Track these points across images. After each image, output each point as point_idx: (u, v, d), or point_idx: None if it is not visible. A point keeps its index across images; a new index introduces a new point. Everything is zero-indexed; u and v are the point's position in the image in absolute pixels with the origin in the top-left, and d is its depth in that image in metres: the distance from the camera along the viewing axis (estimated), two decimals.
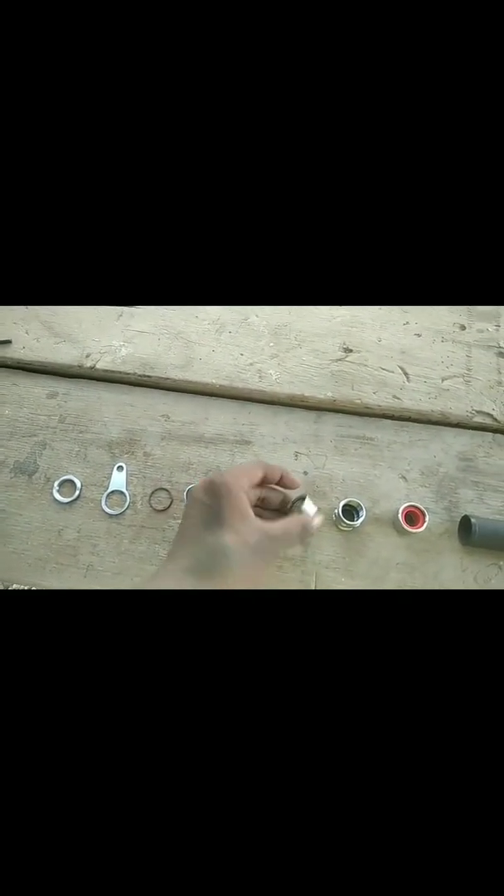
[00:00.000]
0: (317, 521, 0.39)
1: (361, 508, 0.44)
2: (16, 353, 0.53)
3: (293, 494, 0.41)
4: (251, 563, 0.33)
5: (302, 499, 0.40)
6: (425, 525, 0.44)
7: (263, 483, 0.40)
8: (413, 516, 0.44)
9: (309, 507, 0.39)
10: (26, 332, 0.54)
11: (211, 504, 0.35)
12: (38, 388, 0.51)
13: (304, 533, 0.37)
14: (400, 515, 0.44)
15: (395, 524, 0.45)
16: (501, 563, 0.45)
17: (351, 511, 0.45)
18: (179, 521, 0.38)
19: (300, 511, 0.39)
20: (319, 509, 0.40)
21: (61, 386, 0.52)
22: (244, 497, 0.36)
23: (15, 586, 0.68)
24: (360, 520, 0.43)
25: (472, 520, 0.43)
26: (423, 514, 0.44)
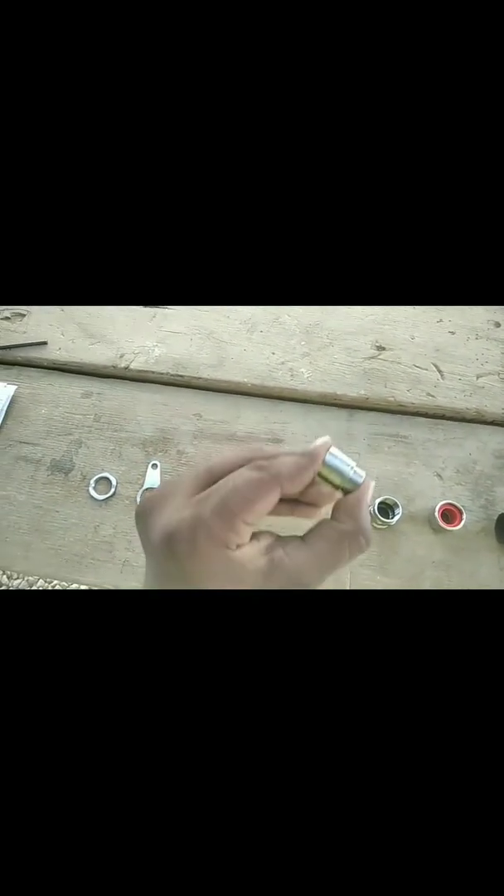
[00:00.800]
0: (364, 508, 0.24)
1: (397, 506, 0.44)
2: (51, 354, 0.54)
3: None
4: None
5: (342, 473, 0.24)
6: (462, 523, 0.43)
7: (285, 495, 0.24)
8: (450, 514, 0.44)
9: (352, 477, 0.23)
10: (62, 334, 0.55)
11: (173, 570, 0.22)
12: (73, 388, 0.53)
13: (357, 541, 0.23)
14: (436, 513, 0.44)
15: (430, 522, 0.45)
16: None
17: (386, 509, 0.44)
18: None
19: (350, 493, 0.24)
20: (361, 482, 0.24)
21: (96, 386, 0.53)
22: (225, 547, 0.22)
23: (53, 584, 0.69)
24: (397, 518, 0.43)
25: None
26: (461, 512, 0.44)
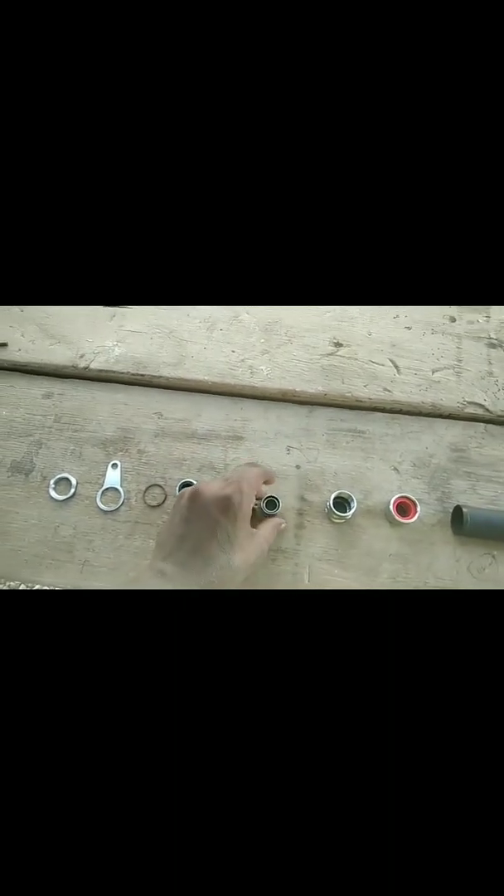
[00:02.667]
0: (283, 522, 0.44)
1: (352, 500, 0.44)
2: (11, 355, 0.53)
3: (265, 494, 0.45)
4: (250, 574, 0.37)
5: (272, 502, 0.44)
6: (417, 516, 0.44)
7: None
8: (405, 507, 0.45)
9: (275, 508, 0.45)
10: (22, 335, 0.55)
11: (226, 525, 0.36)
12: (34, 389, 0.52)
13: (276, 534, 0.42)
14: (391, 506, 0.44)
15: (387, 515, 0.45)
16: (495, 552, 0.45)
17: (342, 503, 0.45)
18: (179, 521, 0.37)
19: (265, 512, 0.44)
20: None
21: (56, 386, 0.52)
22: (251, 515, 0.38)
23: (10, 584, 0.68)
24: (352, 511, 0.44)
25: (464, 509, 0.43)
26: (415, 505, 0.44)
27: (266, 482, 0.43)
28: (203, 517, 0.36)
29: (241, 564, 0.36)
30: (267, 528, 0.41)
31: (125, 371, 0.52)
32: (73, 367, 0.53)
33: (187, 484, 0.44)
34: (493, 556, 0.45)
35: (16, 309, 0.56)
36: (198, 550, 0.35)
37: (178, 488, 0.43)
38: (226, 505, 0.36)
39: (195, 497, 0.37)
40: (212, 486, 0.38)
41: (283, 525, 0.44)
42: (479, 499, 0.47)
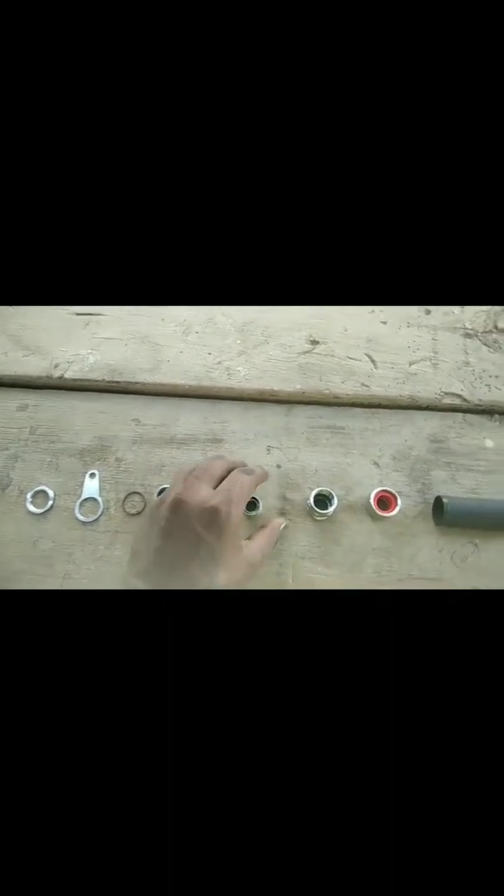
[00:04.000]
0: (282, 525, 0.42)
1: (333, 497, 0.44)
2: None
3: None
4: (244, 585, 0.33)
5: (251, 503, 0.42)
6: (398, 508, 0.44)
7: None
8: (385, 501, 0.44)
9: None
10: None
11: (210, 541, 0.32)
12: (8, 402, 0.52)
13: (274, 539, 0.40)
14: (372, 501, 0.44)
15: (368, 510, 0.45)
16: (477, 540, 0.45)
17: (323, 500, 0.45)
18: (157, 533, 0.33)
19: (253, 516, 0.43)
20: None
21: (31, 398, 0.52)
22: (241, 528, 0.34)
23: None
24: (332, 508, 0.43)
25: (444, 499, 0.43)
26: (395, 498, 0.44)
27: None
28: (184, 531, 0.32)
29: (226, 584, 0.32)
30: (261, 537, 0.37)
31: (100, 379, 0.52)
32: (47, 377, 0.52)
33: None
34: (476, 545, 0.45)
35: None
36: (176, 568, 0.32)
37: (157, 494, 0.43)
38: (211, 518, 0.32)
39: (177, 507, 0.33)
40: (197, 494, 0.34)
41: (283, 525, 0.42)
42: (459, 488, 0.47)
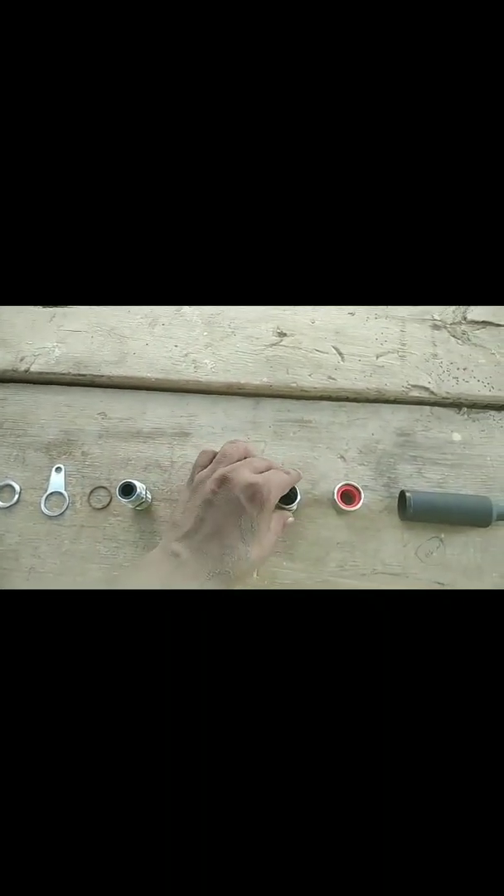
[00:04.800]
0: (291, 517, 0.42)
1: (296, 492, 0.44)
2: None
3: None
4: (259, 567, 0.37)
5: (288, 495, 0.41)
6: (361, 502, 0.44)
7: None
8: (349, 495, 0.44)
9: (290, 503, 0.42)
10: None
11: (252, 513, 0.35)
12: None
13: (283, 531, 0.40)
14: (336, 495, 0.44)
15: (333, 504, 0.45)
16: (442, 535, 0.45)
17: (287, 495, 0.44)
18: (200, 504, 0.36)
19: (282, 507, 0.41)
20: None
21: None
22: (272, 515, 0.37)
23: None
24: (296, 503, 0.43)
25: (408, 494, 0.43)
26: (359, 492, 0.44)
27: None
28: (229, 502, 0.35)
29: (257, 559, 0.35)
30: (277, 523, 0.39)
31: (66, 372, 0.51)
32: (13, 370, 0.51)
33: (129, 485, 0.43)
34: (441, 540, 0.45)
35: None
36: (217, 536, 0.34)
37: (118, 490, 0.43)
38: (254, 493, 0.35)
39: (224, 481, 0.36)
40: (242, 473, 0.36)
41: (290, 520, 0.42)
42: (425, 482, 0.47)
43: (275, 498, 0.37)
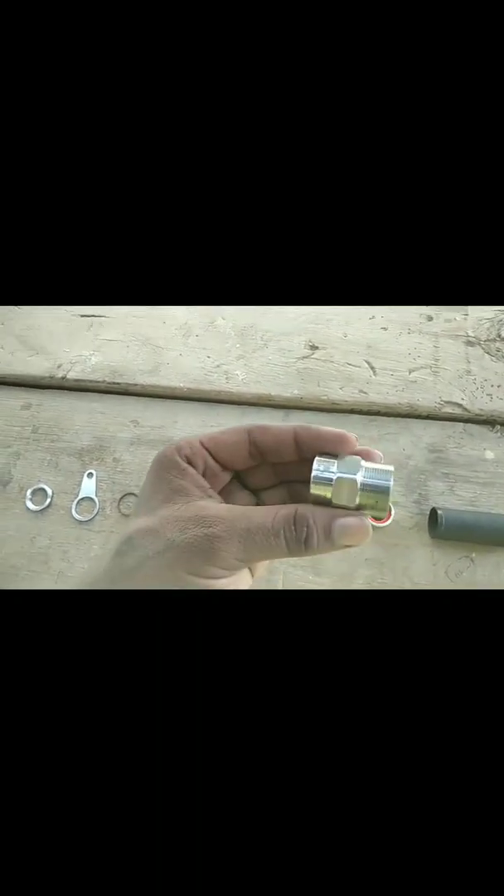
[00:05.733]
0: (341, 522, 0.21)
1: None
2: None
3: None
4: (164, 566, 0.21)
5: (326, 475, 0.22)
6: (391, 519, 0.43)
7: (268, 452, 0.25)
8: None
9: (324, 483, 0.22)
10: (1, 347, 0.55)
11: (146, 482, 0.24)
12: (12, 401, 0.53)
13: (292, 530, 0.21)
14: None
15: None
16: (473, 555, 0.44)
17: None
18: None
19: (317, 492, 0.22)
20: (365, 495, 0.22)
21: (34, 397, 0.53)
22: (183, 467, 0.23)
23: None
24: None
25: (439, 511, 0.43)
26: (390, 509, 0.44)
27: (267, 446, 0.25)
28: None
29: (142, 539, 0.21)
30: (267, 509, 0.22)
31: (101, 380, 0.52)
32: (50, 377, 0.53)
33: None
34: (472, 559, 0.44)
35: None
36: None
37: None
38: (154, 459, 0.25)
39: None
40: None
41: (307, 531, 0.22)
42: (457, 500, 0.46)
43: (178, 446, 0.24)
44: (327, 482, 0.21)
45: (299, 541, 0.22)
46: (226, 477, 0.26)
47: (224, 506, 0.23)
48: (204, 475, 0.24)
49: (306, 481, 0.22)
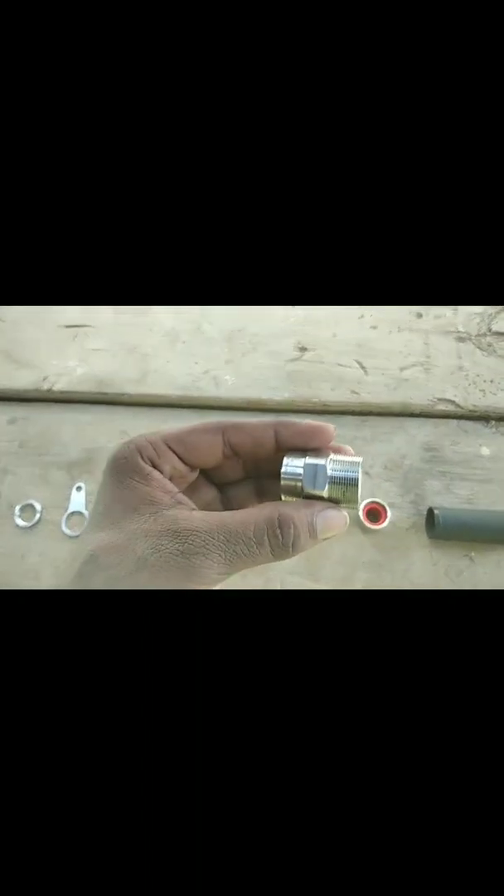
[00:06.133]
0: (321, 516, 0.21)
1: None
2: None
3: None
4: (139, 588, 0.19)
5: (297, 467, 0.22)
6: (388, 520, 0.43)
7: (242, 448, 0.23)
8: (374, 513, 0.43)
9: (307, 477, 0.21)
10: None
11: (102, 489, 0.22)
12: None
13: (276, 535, 0.20)
14: (361, 513, 0.43)
15: (358, 522, 0.44)
16: (472, 553, 0.43)
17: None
18: None
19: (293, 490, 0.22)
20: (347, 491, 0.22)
21: (20, 411, 0.52)
22: (146, 472, 0.21)
23: None
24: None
25: (436, 511, 0.42)
26: (385, 510, 0.43)
27: (241, 444, 0.23)
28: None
29: (105, 558, 0.19)
30: (246, 513, 0.21)
31: (88, 391, 0.51)
32: (36, 390, 0.52)
33: None
34: (471, 558, 0.43)
35: None
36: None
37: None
38: (108, 462, 0.23)
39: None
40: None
41: (304, 518, 0.21)
42: (454, 498, 0.45)
43: (136, 448, 0.22)
44: (297, 475, 0.21)
45: (286, 545, 0.21)
46: (192, 476, 0.24)
47: (198, 514, 0.20)
48: (171, 479, 0.22)
49: (274, 475, 0.22)
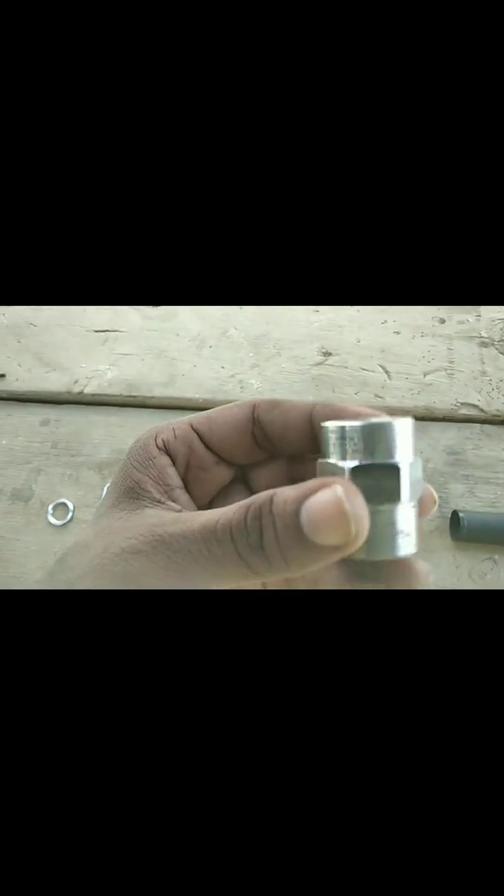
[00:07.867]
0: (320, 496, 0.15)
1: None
2: (10, 385, 0.55)
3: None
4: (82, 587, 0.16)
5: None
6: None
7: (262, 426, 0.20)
8: None
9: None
10: (18, 365, 0.56)
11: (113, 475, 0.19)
12: (31, 417, 0.54)
13: (243, 531, 0.15)
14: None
15: None
16: (496, 556, 0.44)
17: None
18: None
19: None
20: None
21: (52, 413, 0.54)
22: (151, 455, 0.18)
23: None
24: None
25: (461, 514, 0.43)
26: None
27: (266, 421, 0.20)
28: None
29: (80, 557, 0.17)
30: (228, 509, 0.16)
31: (118, 394, 0.53)
32: (67, 392, 0.54)
33: None
34: (495, 561, 0.43)
35: (12, 339, 0.58)
36: None
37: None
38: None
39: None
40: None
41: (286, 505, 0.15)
42: (477, 502, 0.46)
43: (147, 440, 0.19)
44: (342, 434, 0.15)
45: (255, 546, 0.14)
46: (222, 473, 0.19)
47: (171, 514, 0.16)
48: (187, 467, 0.18)
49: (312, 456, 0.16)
